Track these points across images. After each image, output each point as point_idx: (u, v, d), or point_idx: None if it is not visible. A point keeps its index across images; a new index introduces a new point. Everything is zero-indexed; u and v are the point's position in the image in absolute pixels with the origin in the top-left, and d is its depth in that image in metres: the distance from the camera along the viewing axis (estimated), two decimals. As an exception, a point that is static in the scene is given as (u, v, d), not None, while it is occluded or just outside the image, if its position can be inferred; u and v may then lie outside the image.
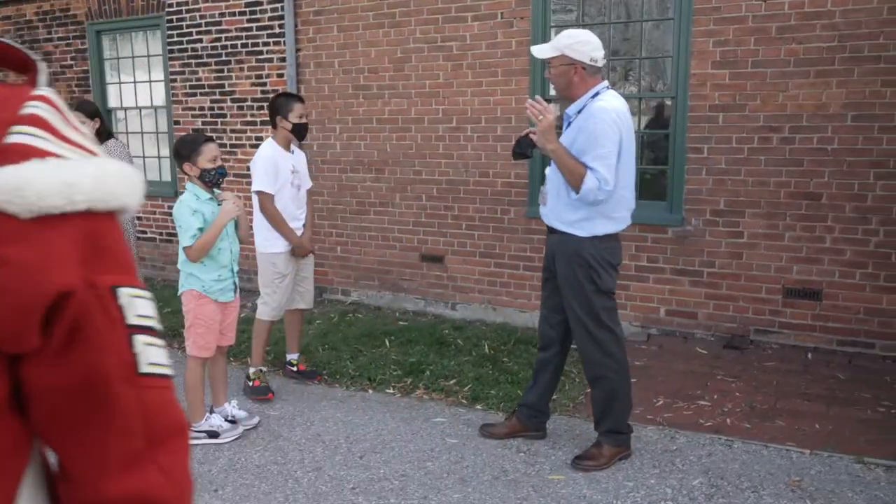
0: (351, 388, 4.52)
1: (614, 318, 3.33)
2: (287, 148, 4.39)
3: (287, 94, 4.46)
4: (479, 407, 4.16)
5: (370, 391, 4.46)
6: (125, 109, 7.77)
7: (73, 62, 7.89)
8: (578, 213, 3.21)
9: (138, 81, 7.61)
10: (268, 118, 6.68)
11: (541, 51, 3.28)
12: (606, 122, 3.10)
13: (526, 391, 3.73)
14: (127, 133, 7.78)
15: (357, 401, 4.31)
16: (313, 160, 6.51)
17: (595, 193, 3.09)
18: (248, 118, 6.79)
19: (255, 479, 3.36)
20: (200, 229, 3.56)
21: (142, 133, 7.71)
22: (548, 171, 3.40)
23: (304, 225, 4.51)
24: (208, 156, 3.60)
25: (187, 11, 6.95)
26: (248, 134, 6.82)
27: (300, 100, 4.41)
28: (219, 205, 3.67)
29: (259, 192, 4.27)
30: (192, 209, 3.57)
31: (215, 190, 3.73)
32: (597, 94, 3.23)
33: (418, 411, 4.12)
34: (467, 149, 5.78)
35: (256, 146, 6.71)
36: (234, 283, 3.79)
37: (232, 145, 6.85)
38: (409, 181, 6.11)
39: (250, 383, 4.44)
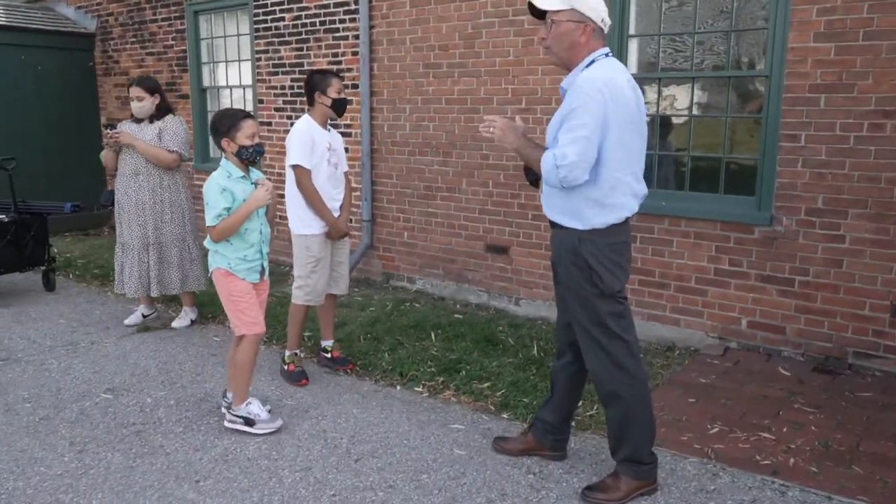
0: (381, 383, 4.26)
1: (624, 325, 2.83)
2: (324, 125, 4.18)
3: (324, 69, 4.26)
4: (505, 416, 3.76)
5: (398, 387, 4.18)
6: (217, 88, 7.92)
7: (173, 42, 8.13)
8: (569, 200, 2.77)
9: (229, 61, 7.72)
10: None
11: (545, 2, 2.76)
12: (587, 92, 2.61)
13: (543, 404, 3.30)
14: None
15: (380, 397, 4.04)
16: (383, 142, 6.29)
17: (554, 173, 2.65)
18: (325, 97, 6.66)
19: (239, 474, 3.18)
20: (227, 209, 3.40)
21: (232, 112, 7.81)
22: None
23: (340, 207, 4.29)
24: (247, 132, 3.43)
25: (272, -11, 6.92)
26: (324, 114, 6.69)
27: (338, 76, 4.18)
28: (253, 185, 3.50)
29: (296, 167, 4.08)
30: (222, 187, 3.40)
31: (252, 170, 3.56)
32: (592, 61, 2.75)
33: (438, 414, 3.79)
34: (536, 132, 5.30)
35: (332, 125, 6.60)
36: (263, 265, 3.62)
37: (309, 125, 6.76)
38: (477, 166, 5.74)
39: (286, 367, 4.31)
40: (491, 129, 2.85)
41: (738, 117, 4.63)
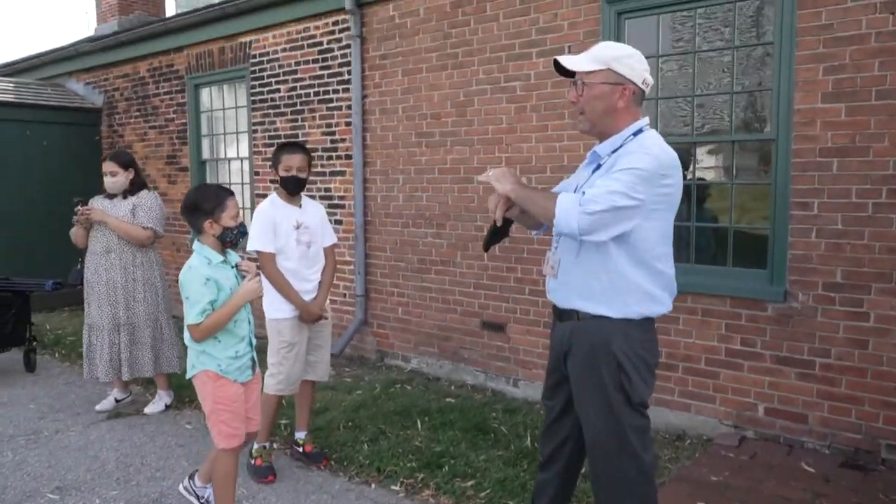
0: (355, 480, 3.85)
1: (646, 442, 2.40)
2: (292, 202, 3.92)
3: (282, 143, 4.03)
4: (487, 522, 3.33)
5: (373, 485, 3.77)
6: (217, 161, 7.81)
7: (174, 115, 8.10)
8: (607, 278, 2.35)
9: (228, 133, 7.63)
10: (337, 168, 6.42)
11: (576, 62, 2.43)
12: (655, 159, 2.26)
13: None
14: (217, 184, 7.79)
15: (352, 498, 3.63)
16: (377, 213, 6.05)
17: (576, 212, 2.22)
18: (319, 168, 6.48)
19: None
20: (212, 303, 3.00)
21: (230, 184, 7.69)
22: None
23: (319, 286, 3.99)
24: (231, 212, 3.08)
25: (268, 62, 6.85)
26: (318, 185, 6.50)
27: (292, 148, 3.92)
28: (234, 270, 3.13)
29: (258, 252, 3.81)
30: (205, 277, 2.99)
31: (230, 254, 3.19)
32: (640, 130, 2.39)
33: (412, 520, 3.37)
34: (531, 202, 5.02)
35: (326, 198, 6.41)
36: (253, 358, 3.21)
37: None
38: (471, 238, 5.43)
39: (252, 461, 3.93)
40: (490, 173, 2.50)
41: (744, 184, 4.28)
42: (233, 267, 3.15)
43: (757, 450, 4.02)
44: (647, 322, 2.38)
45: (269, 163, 6.96)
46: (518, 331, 5.21)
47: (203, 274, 3.00)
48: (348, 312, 6.37)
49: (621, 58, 2.37)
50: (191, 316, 2.97)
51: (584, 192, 2.27)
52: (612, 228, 2.25)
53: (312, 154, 6.49)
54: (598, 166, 2.44)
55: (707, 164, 4.46)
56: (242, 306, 3.08)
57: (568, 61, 2.44)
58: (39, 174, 8.54)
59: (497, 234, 2.57)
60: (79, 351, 6.45)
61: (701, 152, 4.44)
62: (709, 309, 4.30)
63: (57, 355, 6.58)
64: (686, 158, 4.36)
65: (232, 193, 3.17)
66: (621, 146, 2.37)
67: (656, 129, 4.44)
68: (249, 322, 3.21)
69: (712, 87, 4.32)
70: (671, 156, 2.32)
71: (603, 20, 4.56)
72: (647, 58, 4.40)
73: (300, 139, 6.60)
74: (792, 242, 3.98)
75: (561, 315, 2.52)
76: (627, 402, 2.35)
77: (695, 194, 4.44)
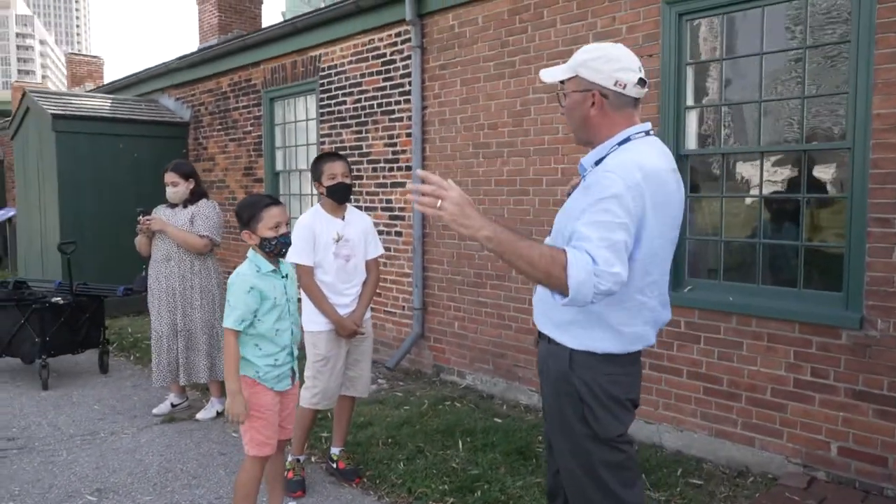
0: (385, 500, 3.74)
1: (625, 480, 2.15)
2: (336, 213, 3.86)
3: (321, 155, 3.97)
4: (510, 555, 3.13)
5: (402, 507, 3.64)
6: (289, 172, 7.96)
7: (252, 128, 8.33)
8: (576, 311, 2.10)
9: (299, 145, 7.76)
10: (398, 180, 6.37)
11: (552, 72, 2.21)
12: (623, 180, 1.96)
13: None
14: (289, 195, 7.94)
15: (377, 518, 3.52)
16: (435, 226, 5.95)
17: (591, 283, 1.84)
18: (381, 180, 6.46)
19: None
20: (255, 313, 3.01)
21: (300, 195, 7.82)
22: (547, 240, 2.30)
23: (358, 299, 3.91)
24: (269, 222, 3.03)
25: (336, 74, 6.92)
26: (381, 196, 6.48)
27: (334, 157, 3.87)
28: (285, 280, 3.13)
29: (295, 265, 3.77)
30: (250, 285, 3.00)
31: (283, 264, 3.17)
32: (626, 139, 2.13)
33: (433, 548, 3.21)
34: (587, 215, 4.77)
35: (387, 209, 6.38)
36: (293, 368, 3.19)
37: (366, 208, 6.55)
38: (527, 252, 5.22)
39: (285, 473, 3.89)
40: (439, 205, 1.99)
41: (817, 197, 3.89)
42: (283, 276, 3.13)
43: (828, 494, 3.60)
44: (617, 357, 2.11)
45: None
46: (573, 350, 4.95)
47: (248, 282, 3.01)
48: (406, 325, 6.29)
49: (587, 61, 2.12)
50: (228, 320, 2.99)
51: (582, 239, 1.93)
52: (625, 268, 1.95)
53: (375, 165, 6.52)
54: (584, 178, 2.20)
55: (775, 177, 4.08)
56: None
57: (546, 74, 2.22)
58: (128, 185, 8.98)
59: None
60: (151, 355, 6.71)
61: (768, 163, 4.07)
62: (776, 335, 3.92)
63: (132, 358, 6.85)
64: (711, 170, 4.00)
65: (273, 204, 3.09)
66: (604, 157, 2.13)
67: (722, 139, 4.15)
68: (292, 333, 3.17)
69: (781, 91, 3.96)
70: (638, 168, 1.99)
71: (663, 22, 4.29)
72: (709, 61, 4.14)
73: (363, 150, 6.61)
74: (870, 263, 3.56)
75: (539, 333, 2.30)
76: (595, 436, 2.11)
77: (761, 209, 4.08)
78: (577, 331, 2.12)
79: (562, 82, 2.22)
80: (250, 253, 3.11)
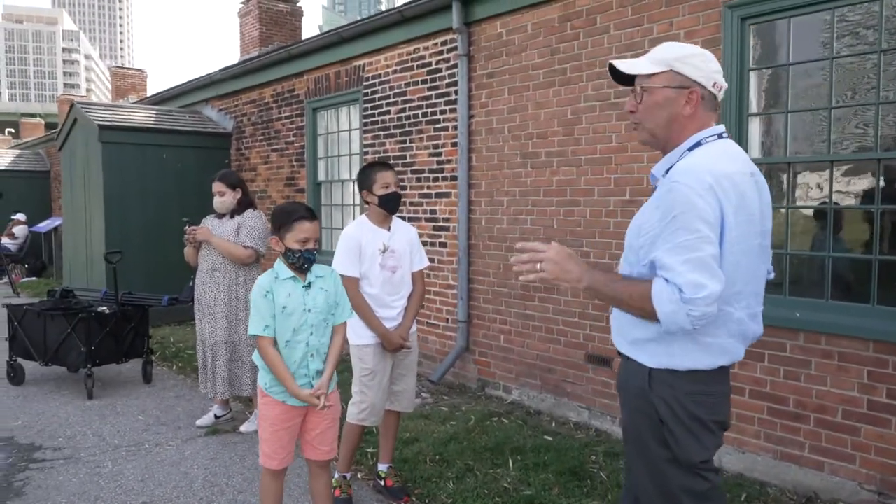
0: (435, 520, 3.61)
1: None
2: (382, 224, 3.77)
3: (371, 163, 3.87)
4: (570, 583, 2.97)
5: (453, 528, 3.51)
6: (331, 182, 7.93)
7: (294, 138, 8.33)
8: (650, 328, 1.98)
9: (341, 155, 7.73)
10: (443, 190, 6.28)
11: (634, 65, 2.10)
12: (692, 190, 1.85)
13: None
14: (331, 205, 7.91)
15: (428, 540, 3.39)
16: (480, 236, 5.83)
17: (683, 311, 1.81)
18: (425, 190, 6.38)
19: None
20: (274, 318, 2.95)
21: (342, 206, 7.77)
22: (623, 257, 2.21)
23: (404, 312, 3.81)
24: (299, 235, 2.96)
25: (380, 84, 6.87)
26: (425, 207, 6.39)
27: (385, 166, 3.78)
28: (305, 288, 3.03)
29: (342, 276, 3.68)
30: (266, 290, 2.96)
31: (315, 270, 3.07)
32: (698, 144, 2.01)
33: (488, 573, 3.07)
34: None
35: (432, 220, 6.29)
36: (312, 384, 3.01)
37: (410, 218, 6.47)
38: (577, 264, 5.07)
39: (332, 490, 3.80)
40: (539, 267, 2.02)
41: (892, 209, 3.68)
42: (305, 285, 3.03)
43: (906, 524, 3.38)
44: (702, 373, 1.97)
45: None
46: (625, 366, 4.78)
47: (265, 287, 2.97)
48: (450, 338, 6.17)
49: (685, 57, 2.01)
50: (252, 327, 2.97)
51: (665, 269, 1.87)
52: (718, 281, 1.86)
53: (419, 175, 6.44)
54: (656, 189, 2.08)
55: (847, 187, 3.88)
56: (296, 394, 2.95)
57: (624, 65, 2.09)
58: (173, 195, 9.05)
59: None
60: (193, 365, 6.69)
61: (838, 172, 3.87)
62: (847, 353, 3.71)
63: (174, 368, 6.85)
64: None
65: (307, 218, 3.00)
66: (675, 164, 1.99)
67: (788, 148, 3.97)
68: (308, 345, 2.98)
69: (853, 97, 3.77)
70: (707, 172, 1.88)
71: (724, 27, 4.13)
72: (775, 67, 3.97)
73: (408, 160, 6.54)
74: (953, 278, 3.35)
75: (618, 351, 2.18)
76: (674, 460, 1.97)
77: (831, 220, 3.88)
78: (654, 348, 2.00)
79: (631, 81, 2.11)
80: (278, 259, 3.06)
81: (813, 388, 3.84)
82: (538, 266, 2.02)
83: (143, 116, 9.49)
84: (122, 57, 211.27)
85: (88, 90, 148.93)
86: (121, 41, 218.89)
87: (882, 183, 3.70)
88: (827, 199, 3.90)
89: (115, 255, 6.12)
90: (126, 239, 8.52)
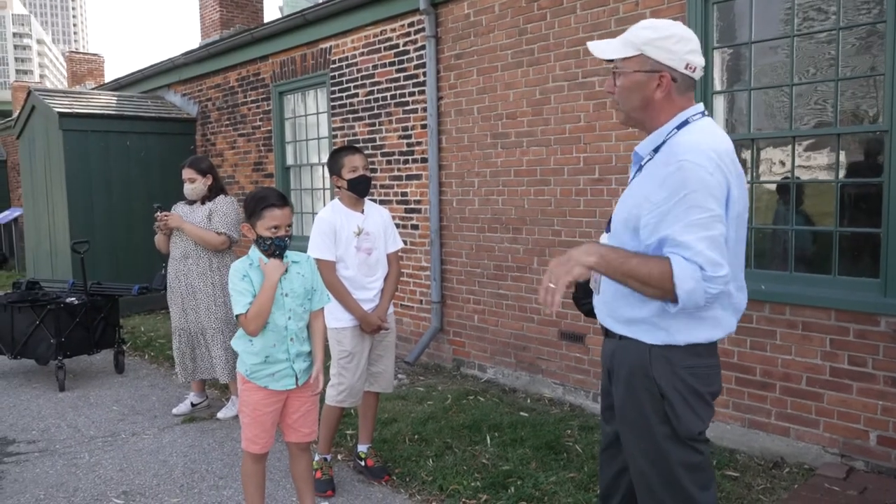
0: (416, 497, 3.67)
1: (703, 482, 2.05)
2: (355, 207, 3.79)
3: (339, 148, 3.88)
4: (550, 553, 3.06)
5: (434, 505, 3.58)
6: (300, 167, 7.88)
7: (261, 123, 8.24)
8: (645, 307, 2.02)
9: (310, 139, 7.68)
10: (413, 172, 6.29)
11: (605, 49, 2.11)
12: (702, 167, 1.87)
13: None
14: (300, 190, 7.86)
15: (410, 517, 3.46)
16: (452, 218, 5.87)
17: (703, 291, 1.84)
18: (396, 172, 6.38)
19: None
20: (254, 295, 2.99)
21: (312, 189, 7.74)
22: (603, 237, 2.27)
23: (381, 293, 3.84)
24: (269, 223, 2.97)
25: (347, 66, 6.83)
26: (395, 189, 6.40)
27: (353, 150, 3.79)
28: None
29: (317, 260, 3.69)
30: (242, 273, 3.00)
31: (290, 256, 3.10)
32: (685, 122, 2.04)
33: (470, 546, 3.15)
34: (611, 205, 4.69)
35: (403, 202, 6.30)
36: (293, 368, 3.06)
37: (382, 201, 6.47)
38: (548, 243, 5.15)
39: (313, 473, 3.83)
40: (546, 281, 1.94)
41: (852, 182, 3.80)
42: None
43: (868, 484, 3.54)
44: (700, 346, 2.02)
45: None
46: (598, 342, 4.88)
47: (241, 271, 3.01)
48: (424, 320, 6.22)
49: (656, 40, 2.00)
50: (238, 307, 2.97)
51: (683, 247, 1.87)
52: (728, 262, 1.91)
53: (389, 158, 6.44)
54: (640, 168, 2.11)
55: (808, 161, 4.00)
56: (275, 284, 2.98)
57: (597, 48, 2.10)
58: (138, 182, 8.91)
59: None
60: (166, 353, 6.65)
61: (800, 148, 3.99)
62: (810, 322, 3.84)
63: (146, 357, 6.79)
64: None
65: (278, 205, 3.01)
66: (664, 143, 2.03)
67: (751, 124, 4.06)
68: (287, 329, 3.04)
69: (813, 74, 3.87)
70: (712, 149, 1.91)
71: (689, 6, 4.20)
72: (738, 45, 4.05)
73: (377, 143, 6.53)
74: (909, 248, 3.49)
75: (605, 332, 2.21)
76: (674, 435, 2.02)
77: (794, 195, 4.00)
78: (653, 325, 2.02)
79: (609, 60, 2.13)
80: (252, 246, 3.08)
81: (778, 358, 3.98)
82: (548, 285, 1.91)
83: (104, 103, 9.29)
84: (76, 42, 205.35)
85: (42, 76, 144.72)
86: (74, 25, 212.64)
87: (842, 157, 3.82)
88: (789, 174, 4.02)
89: (83, 245, 6.03)
90: (91, 228, 8.38)
